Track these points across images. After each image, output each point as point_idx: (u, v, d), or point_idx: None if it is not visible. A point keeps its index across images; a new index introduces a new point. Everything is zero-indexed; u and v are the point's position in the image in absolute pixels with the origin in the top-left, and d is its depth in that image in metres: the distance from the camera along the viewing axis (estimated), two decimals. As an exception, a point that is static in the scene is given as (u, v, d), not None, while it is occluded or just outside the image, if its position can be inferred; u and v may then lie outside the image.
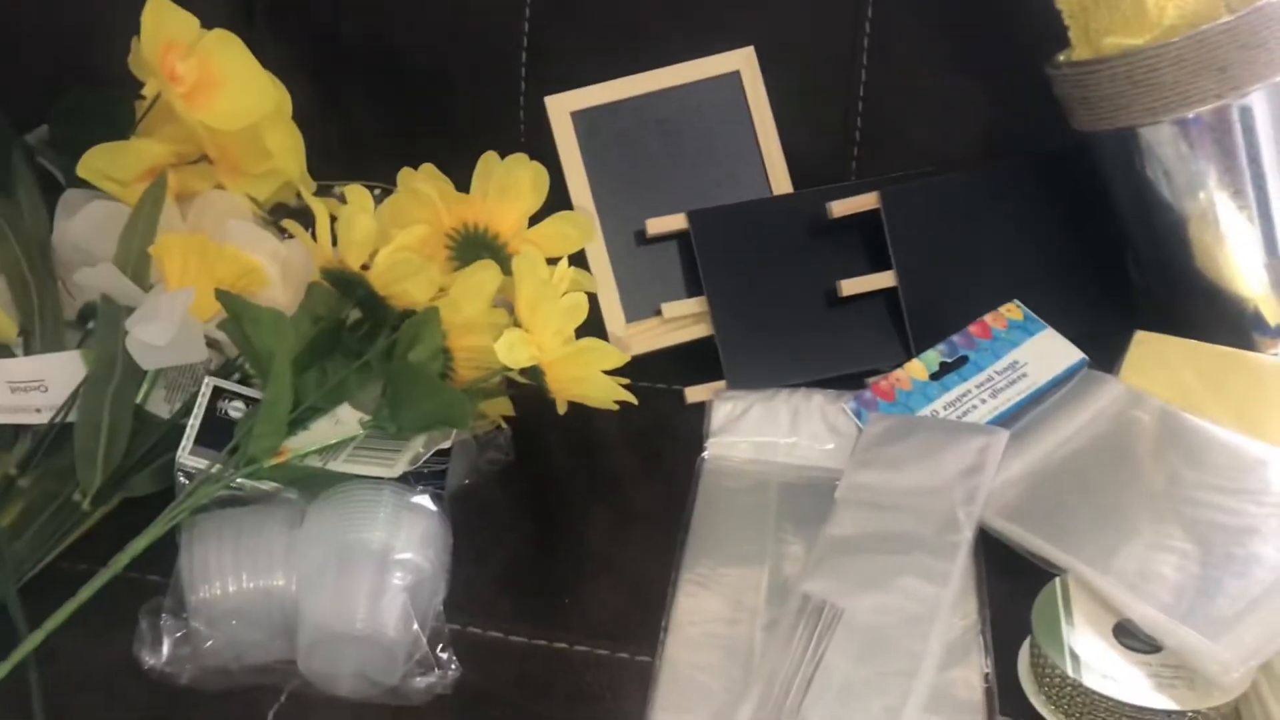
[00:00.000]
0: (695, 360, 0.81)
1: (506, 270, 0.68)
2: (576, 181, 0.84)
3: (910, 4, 0.86)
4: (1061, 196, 0.82)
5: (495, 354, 0.63)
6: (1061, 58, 0.77)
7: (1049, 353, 0.75)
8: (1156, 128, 0.70)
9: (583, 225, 0.73)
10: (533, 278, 0.64)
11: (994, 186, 0.82)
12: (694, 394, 0.80)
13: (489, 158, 0.72)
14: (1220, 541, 0.59)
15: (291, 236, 0.74)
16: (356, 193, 0.67)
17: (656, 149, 0.86)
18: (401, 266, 0.66)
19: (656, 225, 0.83)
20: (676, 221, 0.83)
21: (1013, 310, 0.78)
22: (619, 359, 0.67)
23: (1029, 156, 0.83)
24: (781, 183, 0.86)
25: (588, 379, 0.67)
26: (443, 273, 0.72)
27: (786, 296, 0.81)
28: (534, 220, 0.73)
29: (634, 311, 0.84)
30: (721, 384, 0.79)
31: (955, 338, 0.77)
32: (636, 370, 0.78)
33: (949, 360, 0.76)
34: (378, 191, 0.95)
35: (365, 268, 0.67)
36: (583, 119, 0.85)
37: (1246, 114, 0.69)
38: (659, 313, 0.83)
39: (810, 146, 0.88)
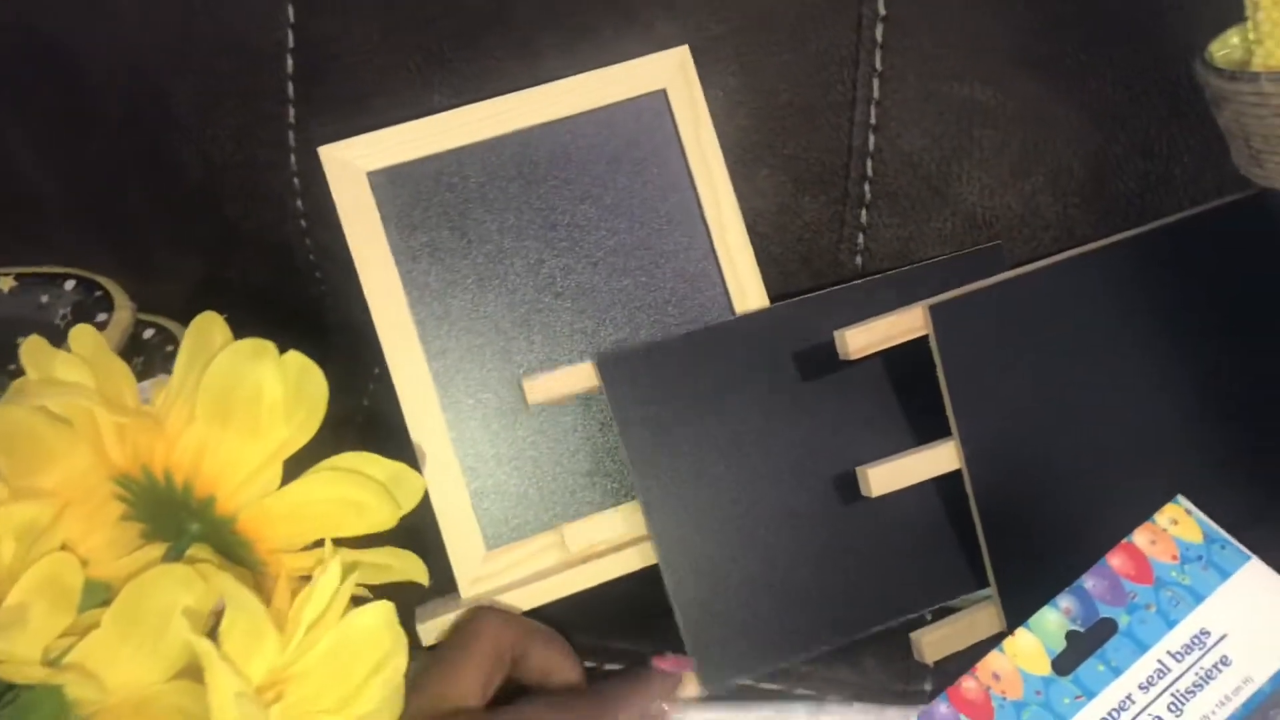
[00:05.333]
0: (620, 615, 0.46)
1: (236, 557, 0.32)
2: (385, 305, 0.47)
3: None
4: (1228, 288, 0.48)
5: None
6: (1218, 51, 0.45)
7: (1263, 612, 0.42)
8: None
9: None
10: (224, 686, 0.27)
11: (1115, 279, 0.47)
12: (619, 691, 0.45)
13: (203, 326, 0.35)
14: None
15: None
16: None
17: (528, 231, 0.49)
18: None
19: (541, 389, 0.47)
20: (576, 378, 0.47)
21: (1179, 518, 0.44)
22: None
23: (1169, 224, 0.49)
24: (745, 282, 0.50)
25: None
26: (116, 546, 0.35)
27: (776, 494, 0.46)
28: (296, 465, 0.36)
29: (501, 530, 0.47)
30: (682, 665, 0.45)
31: (1088, 581, 0.43)
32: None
33: (1082, 628, 0.42)
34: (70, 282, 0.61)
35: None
36: (391, 183, 0.48)
37: None
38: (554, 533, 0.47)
39: (785, 209, 0.52)
